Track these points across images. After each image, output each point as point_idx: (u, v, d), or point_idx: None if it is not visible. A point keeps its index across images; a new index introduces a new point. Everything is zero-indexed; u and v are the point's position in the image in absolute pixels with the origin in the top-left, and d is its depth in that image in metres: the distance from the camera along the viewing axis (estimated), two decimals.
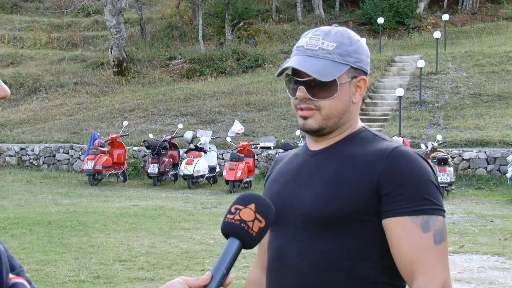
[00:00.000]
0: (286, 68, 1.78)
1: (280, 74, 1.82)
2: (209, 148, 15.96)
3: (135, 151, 17.69)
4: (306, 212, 1.76)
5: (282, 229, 1.80)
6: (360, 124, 1.85)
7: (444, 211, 1.73)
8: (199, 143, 15.82)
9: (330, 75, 1.73)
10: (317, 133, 1.80)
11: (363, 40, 1.92)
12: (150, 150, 15.86)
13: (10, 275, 1.32)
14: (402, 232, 1.67)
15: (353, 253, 1.71)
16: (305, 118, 1.78)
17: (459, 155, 15.79)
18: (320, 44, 1.76)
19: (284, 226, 1.79)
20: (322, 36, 1.77)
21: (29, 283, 1.35)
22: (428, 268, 1.66)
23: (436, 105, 19.26)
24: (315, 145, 1.85)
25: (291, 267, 1.78)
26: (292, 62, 1.76)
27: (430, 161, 11.65)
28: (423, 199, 1.68)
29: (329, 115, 1.76)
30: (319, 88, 1.74)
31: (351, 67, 1.77)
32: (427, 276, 1.65)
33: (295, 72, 1.77)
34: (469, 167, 15.73)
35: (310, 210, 1.75)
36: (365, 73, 1.82)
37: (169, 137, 16.42)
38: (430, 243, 1.67)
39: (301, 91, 1.75)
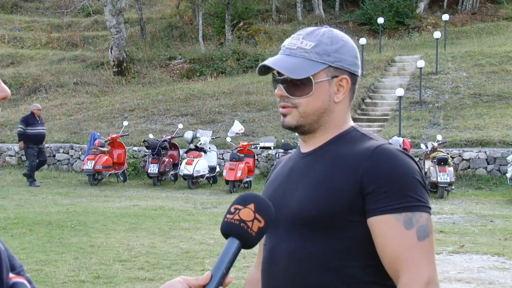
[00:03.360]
0: (263, 66, 1.82)
1: (260, 72, 1.85)
2: (209, 148, 15.96)
3: (135, 151, 17.69)
4: (294, 213, 1.78)
5: (273, 230, 1.81)
6: (350, 124, 1.86)
7: (430, 207, 1.72)
8: (199, 143, 15.82)
9: (302, 72, 1.75)
10: (297, 130, 1.83)
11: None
12: (150, 150, 15.86)
13: (11, 275, 1.32)
14: (386, 230, 1.68)
15: (340, 253, 1.72)
16: (284, 115, 1.82)
17: (459, 155, 15.79)
18: (299, 43, 1.80)
19: (275, 228, 1.80)
20: (303, 36, 1.81)
21: (30, 282, 1.35)
22: (412, 265, 1.66)
23: (436, 105, 19.26)
24: (305, 147, 1.88)
25: (281, 267, 1.80)
26: (268, 60, 1.81)
27: (429, 161, 11.49)
28: (406, 196, 1.68)
29: (306, 112, 1.79)
30: (295, 86, 1.78)
31: (330, 66, 1.78)
32: (411, 273, 1.65)
33: (279, 72, 1.81)
34: (469, 167, 15.73)
35: (298, 211, 1.77)
36: (351, 74, 1.82)
37: (169, 137, 16.42)
38: (413, 240, 1.67)
39: (279, 89, 1.80)
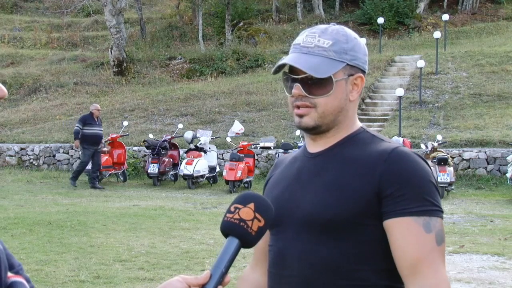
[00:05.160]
0: (281, 65, 1.79)
1: (276, 71, 1.82)
2: (209, 148, 15.96)
3: (135, 151, 17.69)
4: (306, 216, 1.76)
5: (282, 232, 1.80)
6: (358, 124, 1.85)
7: (443, 212, 1.73)
8: (199, 143, 15.82)
9: (324, 72, 1.73)
10: (313, 130, 1.80)
11: (362, 40, 1.92)
12: (150, 150, 15.85)
13: (9, 274, 1.32)
14: (406, 232, 1.67)
15: (353, 256, 1.71)
16: (301, 116, 1.78)
17: (459, 155, 15.79)
18: (316, 41, 1.77)
19: (285, 230, 1.79)
20: (318, 33, 1.78)
21: (28, 281, 1.35)
22: (436, 268, 1.67)
23: (436, 105, 19.26)
24: (313, 146, 1.84)
25: (292, 270, 1.78)
26: (288, 59, 1.77)
27: (429, 161, 11.49)
28: (424, 200, 1.68)
29: (325, 112, 1.76)
30: (314, 85, 1.75)
31: (347, 64, 1.77)
32: (436, 276, 1.67)
33: (292, 70, 1.78)
34: (469, 167, 15.73)
35: (310, 214, 1.75)
36: (363, 71, 1.82)
37: (169, 137, 16.42)
38: (433, 244, 1.67)
39: (297, 88, 1.76)
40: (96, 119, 15.17)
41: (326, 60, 1.75)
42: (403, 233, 1.67)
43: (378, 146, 1.77)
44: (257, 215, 1.47)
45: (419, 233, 1.67)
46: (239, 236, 1.46)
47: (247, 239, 1.46)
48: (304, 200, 1.78)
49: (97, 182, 15.10)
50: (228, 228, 1.47)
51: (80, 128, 14.93)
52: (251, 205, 1.48)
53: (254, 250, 1.99)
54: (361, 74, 1.81)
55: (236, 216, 1.47)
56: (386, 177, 1.69)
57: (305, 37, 1.79)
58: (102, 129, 15.61)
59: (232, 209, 1.49)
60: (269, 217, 1.49)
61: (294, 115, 1.81)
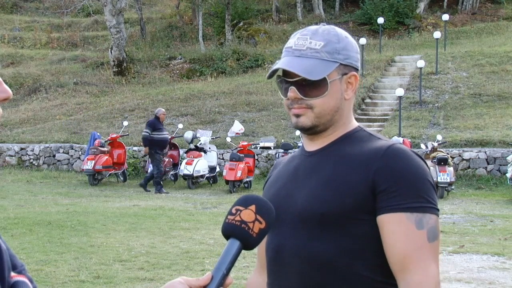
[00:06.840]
0: (276, 70, 1.79)
1: (270, 76, 1.83)
2: (209, 148, 15.97)
3: (135, 151, 17.69)
4: (302, 212, 1.77)
5: (279, 229, 1.80)
6: (355, 123, 1.86)
7: (438, 210, 1.73)
8: (199, 143, 15.82)
9: (319, 73, 1.74)
10: (310, 130, 1.81)
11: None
12: None
13: (12, 274, 1.32)
14: (397, 228, 1.68)
15: (348, 252, 1.72)
16: (297, 116, 1.79)
17: (459, 155, 15.79)
18: (308, 43, 1.77)
19: (281, 227, 1.80)
20: (310, 35, 1.79)
21: (31, 281, 1.36)
22: (424, 265, 1.66)
23: (436, 105, 19.26)
24: (311, 145, 1.86)
25: (290, 267, 1.79)
26: (281, 63, 1.78)
27: (429, 161, 11.53)
28: (418, 196, 1.69)
29: (322, 112, 1.78)
30: (309, 87, 1.76)
31: (341, 64, 1.78)
32: (424, 273, 1.66)
33: (286, 73, 1.78)
34: (469, 167, 15.74)
35: (306, 210, 1.76)
36: (356, 69, 1.83)
37: (169, 137, 16.42)
38: (424, 240, 1.67)
39: (292, 91, 1.77)
40: (162, 123, 15.08)
41: (320, 62, 1.75)
42: (394, 229, 1.68)
43: (375, 143, 1.78)
44: (258, 217, 1.47)
45: (410, 229, 1.67)
46: (241, 238, 1.46)
47: (248, 241, 1.46)
48: (299, 196, 1.79)
49: (162, 187, 14.82)
50: (230, 230, 1.47)
51: (149, 134, 14.72)
52: (253, 207, 1.48)
53: (257, 255, 2.00)
54: (355, 73, 1.82)
55: (238, 218, 1.47)
56: (381, 173, 1.70)
57: (296, 39, 1.80)
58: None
59: (233, 211, 1.49)
60: (270, 219, 1.49)
61: (291, 116, 1.82)
